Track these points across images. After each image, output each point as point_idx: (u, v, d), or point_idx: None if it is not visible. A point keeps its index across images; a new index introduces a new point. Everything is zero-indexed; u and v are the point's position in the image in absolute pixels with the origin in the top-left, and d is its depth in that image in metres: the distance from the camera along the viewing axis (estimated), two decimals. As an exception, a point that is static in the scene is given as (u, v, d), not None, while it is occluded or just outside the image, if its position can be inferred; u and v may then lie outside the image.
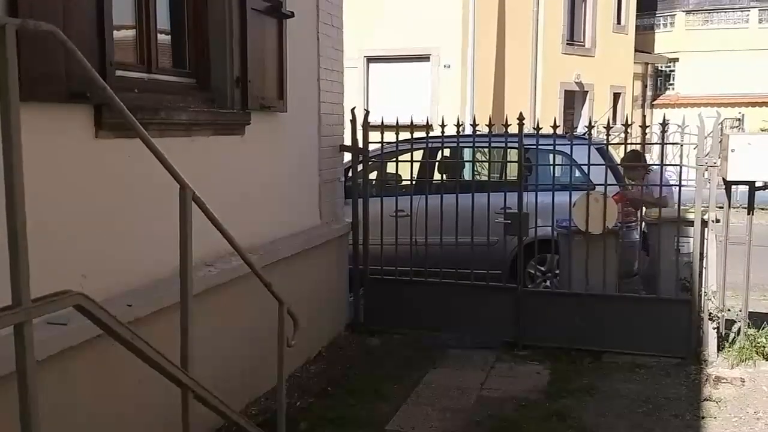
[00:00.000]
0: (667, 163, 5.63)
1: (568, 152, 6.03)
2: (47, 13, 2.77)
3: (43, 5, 2.85)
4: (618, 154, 6.53)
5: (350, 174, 6.28)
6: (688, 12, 26.33)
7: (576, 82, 18.78)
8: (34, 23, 1.81)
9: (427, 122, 6.04)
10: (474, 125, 5.93)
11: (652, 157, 7.84)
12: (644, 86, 26.00)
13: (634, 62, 22.75)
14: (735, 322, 5.50)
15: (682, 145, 5.77)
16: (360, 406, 4.58)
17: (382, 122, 5.88)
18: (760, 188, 5.39)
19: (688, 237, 5.48)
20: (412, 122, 5.86)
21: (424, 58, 15.07)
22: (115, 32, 3.32)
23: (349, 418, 4.37)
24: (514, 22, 16.00)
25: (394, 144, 6.13)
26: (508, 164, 6.14)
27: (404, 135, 6.00)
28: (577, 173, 6.52)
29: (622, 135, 5.61)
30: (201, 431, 3.82)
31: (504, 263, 6.28)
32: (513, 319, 5.72)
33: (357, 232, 6.19)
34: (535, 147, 5.89)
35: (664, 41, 26.51)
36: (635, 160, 6.29)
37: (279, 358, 3.56)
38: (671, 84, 27.04)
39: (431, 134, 6.11)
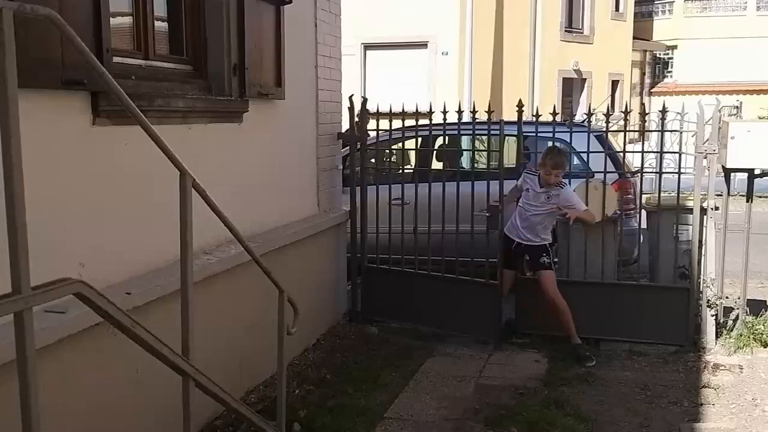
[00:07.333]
0: (667, 150, 5.60)
1: (568, 140, 6.02)
2: (43, -2, 2.73)
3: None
4: (617, 141, 6.50)
5: (348, 162, 6.24)
6: (686, -1, 26.29)
7: (574, 70, 18.73)
8: (31, 7, 1.77)
9: (430, 109, 5.99)
10: (473, 112, 5.90)
11: (650, 144, 7.80)
12: (642, 74, 25.99)
13: (633, 50, 22.72)
14: (733, 309, 5.52)
15: (681, 133, 5.74)
16: (358, 394, 4.58)
17: (378, 110, 5.84)
18: (759, 176, 5.39)
19: (687, 225, 5.48)
20: (416, 110, 5.80)
21: (422, 45, 15.00)
22: (111, 18, 3.28)
23: (348, 406, 4.37)
24: (511, 8, 15.92)
25: (393, 132, 6.09)
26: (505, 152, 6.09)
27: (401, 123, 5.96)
28: (576, 161, 6.50)
29: (621, 122, 5.60)
30: (201, 419, 3.85)
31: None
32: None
33: (354, 220, 6.18)
34: (534, 134, 5.86)
35: (662, 29, 26.46)
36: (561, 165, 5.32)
37: (279, 346, 3.56)
38: (669, 71, 27.02)
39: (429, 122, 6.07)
